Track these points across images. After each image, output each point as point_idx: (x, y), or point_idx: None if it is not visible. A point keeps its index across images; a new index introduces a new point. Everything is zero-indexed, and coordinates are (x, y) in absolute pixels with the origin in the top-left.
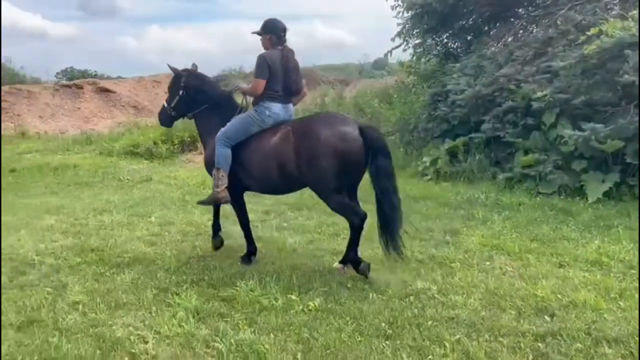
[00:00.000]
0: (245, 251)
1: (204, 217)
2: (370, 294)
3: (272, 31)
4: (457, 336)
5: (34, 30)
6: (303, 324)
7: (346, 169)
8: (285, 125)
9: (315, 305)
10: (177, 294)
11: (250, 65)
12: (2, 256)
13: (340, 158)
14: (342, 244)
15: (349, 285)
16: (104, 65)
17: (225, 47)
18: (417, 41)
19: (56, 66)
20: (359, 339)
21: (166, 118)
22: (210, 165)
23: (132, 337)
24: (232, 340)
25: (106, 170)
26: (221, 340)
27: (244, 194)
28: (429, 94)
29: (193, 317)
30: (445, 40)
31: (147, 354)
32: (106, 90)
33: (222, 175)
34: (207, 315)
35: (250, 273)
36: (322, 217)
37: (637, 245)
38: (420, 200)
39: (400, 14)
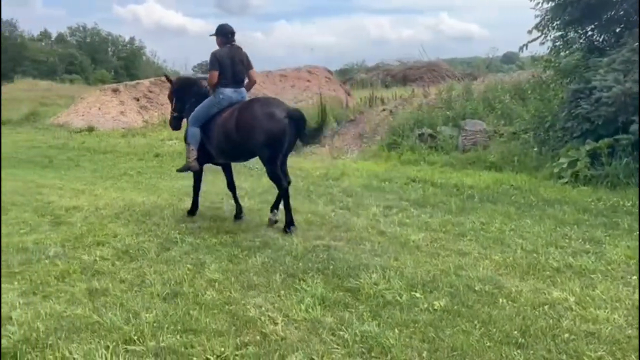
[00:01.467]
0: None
1: (328, 207)
2: (500, 299)
3: (221, 34)
4: (599, 353)
5: (175, 27)
6: (428, 322)
7: (272, 140)
8: (235, 104)
9: (440, 305)
10: (303, 280)
11: (373, 58)
12: (149, 233)
13: (267, 131)
14: (470, 245)
15: (476, 288)
16: None
17: (349, 41)
18: (557, 34)
19: (193, 60)
20: (488, 344)
21: (175, 122)
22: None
23: (262, 318)
24: (357, 331)
25: None
26: (346, 329)
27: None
28: (570, 90)
29: (319, 304)
30: (590, 33)
31: (277, 335)
32: None
33: (192, 149)
34: (332, 304)
35: (373, 266)
36: (446, 216)
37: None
38: (556, 204)
39: (539, 4)
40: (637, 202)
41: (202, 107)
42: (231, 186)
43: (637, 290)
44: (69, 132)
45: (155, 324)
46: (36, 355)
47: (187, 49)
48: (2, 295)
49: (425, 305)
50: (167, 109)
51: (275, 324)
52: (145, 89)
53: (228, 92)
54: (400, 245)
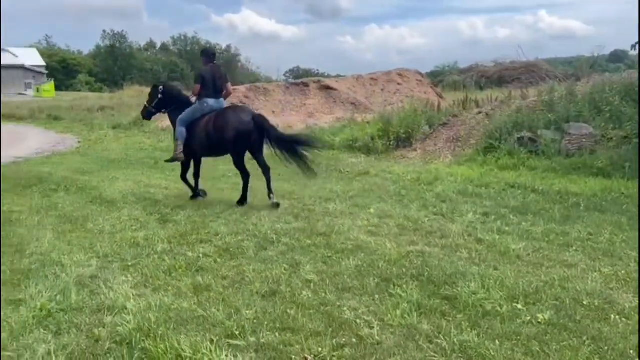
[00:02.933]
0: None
1: (421, 213)
2: (612, 315)
3: (206, 55)
4: None
5: (269, 34)
6: (532, 336)
7: (239, 137)
8: (214, 111)
9: (545, 319)
10: (398, 286)
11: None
12: (247, 232)
13: (237, 132)
14: (576, 257)
15: (584, 302)
16: (325, 64)
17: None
18: None
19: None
20: None
21: (147, 113)
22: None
23: (358, 321)
24: (456, 340)
25: (329, 162)
26: (444, 338)
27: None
28: None
29: (415, 310)
30: None
31: (373, 339)
32: (328, 88)
33: (179, 144)
34: (428, 311)
35: (471, 275)
36: (549, 225)
37: None
38: None
39: None
40: None
41: (188, 112)
42: (196, 176)
43: None
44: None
45: (255, 321)
46: (149, 344)
47: (279, 55)
48: (118, 286)
49: (528, 318)
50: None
51: (371, 327)
52: (241, 95)
53: (211, 102)
54: (499, 254)
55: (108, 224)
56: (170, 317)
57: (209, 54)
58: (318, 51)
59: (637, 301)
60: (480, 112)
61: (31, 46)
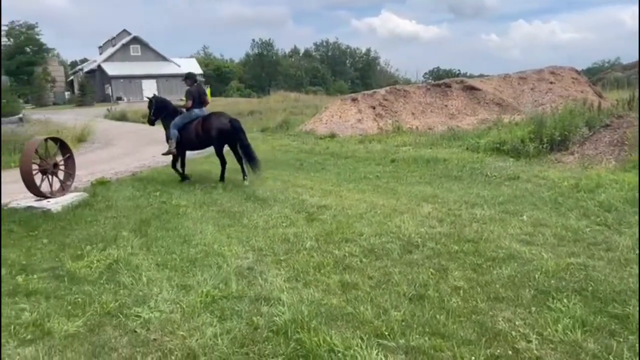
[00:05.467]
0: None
1: (581, 222)
2: None
3: (190, 78)
4: None
5: (408, 35)
6: None
7: (220, 135)
8: (201, 117)
9: None
10: (558, 300)
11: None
12: (391, 234)
13: (219, 132)
14: None
15: None
16: (467, 64)
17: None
18: None
19: (424, 67)
20: None
21: (150, 120)
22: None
23: (513, 333)
24: None
25: (473, 166)
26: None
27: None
28: None
29: (579, 327)
30: None
31: (531, 353)
32: (472, 88)
33: (172, 142)
34: (594, 329)
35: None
36: None
37: None
38: None
39: None
40: None
41: (180, 118)
42: (183, 165)
43: None
44: (315, 138)
45: (403, 323)
46: (303, 336)
47: (419, 56)
48: (272, 278)
49: None
50: (401, 117)
51: (528, 341)
52: (381, 98)
53: (196, 111)
54: None
55: (261, 220)
56: (320, 312)
57: (193, 77)
58: (460, 51)
59: None
60: None
61: (191, 56)
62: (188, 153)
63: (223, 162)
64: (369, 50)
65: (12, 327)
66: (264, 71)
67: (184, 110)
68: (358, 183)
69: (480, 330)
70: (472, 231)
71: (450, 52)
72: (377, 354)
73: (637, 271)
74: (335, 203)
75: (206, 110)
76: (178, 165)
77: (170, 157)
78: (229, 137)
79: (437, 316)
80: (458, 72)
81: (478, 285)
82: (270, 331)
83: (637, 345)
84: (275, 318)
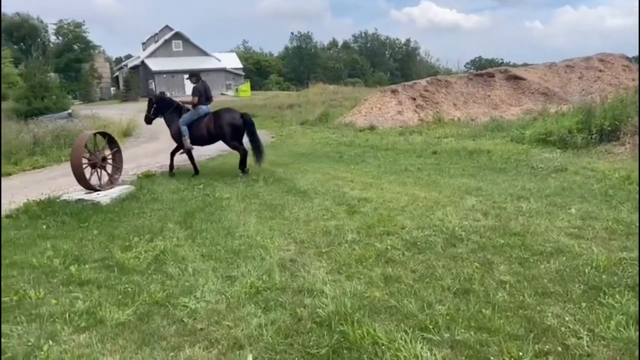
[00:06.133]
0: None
1: (634, 215)
2: None
3: (195, 76)
4: None
5: (449, 25)
6: None
7: (232, 130)
8: (210, 113)
9: None
10: (610, 295)
11: None
12: (434, 227)
13: (231, 126)
14: None
15: None
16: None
17: None
18: None
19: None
20: None
21: (147, 119)
22: (176, 136)
23: (562, 329)
24: None
25: (518, 158)
26: None
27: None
28: None
29: (633, 324)
30: None
31: (581, 349)
32: (516, 78)
33: (186, 138)
34: None
35: None
36: None
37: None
38: None
39: None
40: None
41: (189, 114)
42: (192, 158)
43: None
44: (354, 131)
45: (448, 317)
46: (347, 328)
47: (460, 45)
48: (315, 270)
49: None
50: (442, 108)
51: (579, 337)
52: (421, 89)
53: (203, 107)
54: None
55: (302, 213)
56: (363, 305)
57: (197, 75)
58: (502, 39)
59: None
60: None
61: (231, 51)
62: (210, 148)
63: (240, 149)
64: (408, 40)
65: (67, 314)
66: (303, 64)
67: (190, 107)
68: (399, 175)
69: (528, 326)
70: (518, 224)
71: (492, 41)
72: (421, 348)
73: None
74: (376, 195)
75: (210, 105)
76: (175, 157)
77: (208, 153)
78: (241, 131)
79: (483, 311)
80: (501, 61)
81: (525, 279)
82: (314, 323)
83: (637, 345)
84: (318, 310)
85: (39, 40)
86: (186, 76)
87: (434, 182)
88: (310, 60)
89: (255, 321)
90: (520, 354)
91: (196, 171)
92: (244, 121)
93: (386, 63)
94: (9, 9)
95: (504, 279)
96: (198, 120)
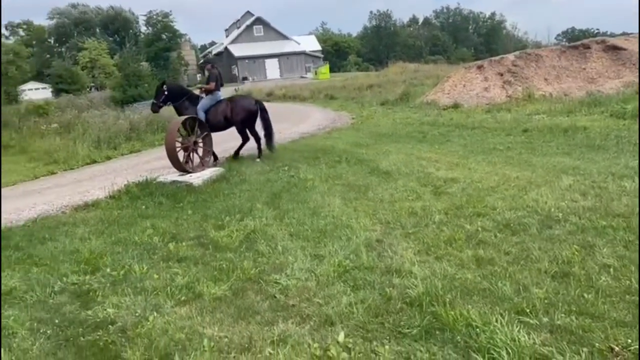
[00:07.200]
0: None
1: None
2: None
3: (209, 63)
4: None
5: None
6: None
7: (249, 117)
8: (225, 100)
9: None
10: None
11: None
12: (527, 208)
13: (248, 112)
14: None
15: None
16: (607, 22)
17: None
18: None
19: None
20: None
21: (155, 106)
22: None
23: None
24: None
25: (619, 134)
26: None
27: None
28: None
29: None
30: None
31: None
32: (615, 48)
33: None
34: None
35: None
36: None
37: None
38: None
39: None
40: None
41: (207, 101)
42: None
43: None
44: (437, 109)
45: (546, 301)
46: (439, 309)
47: (549, 17)
48: (402, 251)
49: None
50: (533, 83)
51: None
52: (509, 64)
53: (219, 93)
54: None
55: (387, 194)
56: (455, 286)
57: (213, 62)
58: (597, 8)
59: None
60: None
61: (310, 33)
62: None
63: (257, 138)
64: (493, 14)
65: (169, 288)
66: (382, 43)
67: (203, 95)
68: (487, 155)
69: (635, 312)
70: (622, 205)
71: (586, 10)
72: (518, 331)
73: None
74: (463, 176)
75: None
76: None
77: (291, 136)
78: (255, 117)
79: (585, 295)
80: (596, 31)
81: (631, 263)
82: (404, 303)
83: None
84: (408, 290)
85: (131, 31)
86: (267, 60)
87: (526, 162)
88: (390, 38)
89: (345, 299)
90: (629, 340)
91: (214, 158)
92: (260, 108)
93: (470, 38)
94: (103, 3)
95: (607, 262)
96: (215, 107)
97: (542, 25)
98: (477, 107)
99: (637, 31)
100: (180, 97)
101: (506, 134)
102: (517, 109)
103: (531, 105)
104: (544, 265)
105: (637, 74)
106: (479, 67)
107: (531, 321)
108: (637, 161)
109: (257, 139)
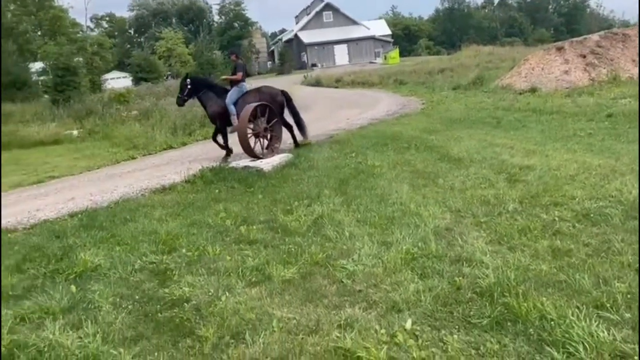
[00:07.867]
0: None
1: None
2: None
3: (237, 52)
4: None
5: None
6: None
7: (277, 105)
8: (251, 90)
9: None
10: None
11: None
12: (610, 198)
13: (276, 102)
14: None
15: None
16: None
17: None
18: None
19: None
20: None
21: (180, 100)
22: (213, 116)
23: None
24: None
25: None
26: None
27: None
28: None
29: None
30: None
31: None
32: None
33: (234, 117)
34: None
35: None
36: None
37: None
38: None
39: None
40: None
41: (234, 93)
42: (225, 137)
43: None
44: (513, 94)
45: (629, 296)
46: (511, 300)
47: None
48: (473, 240)
49: None
50: (619, 65)
51: None
52: (593, 44)
53: (245, 84)
54: None
55: (457, 181)
56: (528, 277)
57: (240, 51)
58: None
59: None
60: None
61: (380, 18)
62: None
63: (290, 127)
64: None
65: (240, 270)
66: (455, 26)
67: (228, 86)
68: (566, 141)
69: None
70: None
71: None
72: (597, 326)
73: None
74: (540, 163)
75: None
76: (219, 139)
77: (359, 122)
78: (283, 107)
79: None
80: None
81: None
82: (474, 293)
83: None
84: (478, 280)
85: (205, 20)
86: (336, 46)
87: (609, 149)
88: (463, 21)
89: (413, 287)
90: None
91: (229, 151)
92: (286, 98)
93: (549, 19)
94: None
95: None
96: (242, 98)
97: (631, 2)
98: (556, 91)
99: None
100: (202, 89)
101: (588, 119)
102: (600, 93)
103: (617, 88)
104: (627, 259)
105: None
106: (559, 49)
107: (611, 316)
108: None
109: (290, 128)
